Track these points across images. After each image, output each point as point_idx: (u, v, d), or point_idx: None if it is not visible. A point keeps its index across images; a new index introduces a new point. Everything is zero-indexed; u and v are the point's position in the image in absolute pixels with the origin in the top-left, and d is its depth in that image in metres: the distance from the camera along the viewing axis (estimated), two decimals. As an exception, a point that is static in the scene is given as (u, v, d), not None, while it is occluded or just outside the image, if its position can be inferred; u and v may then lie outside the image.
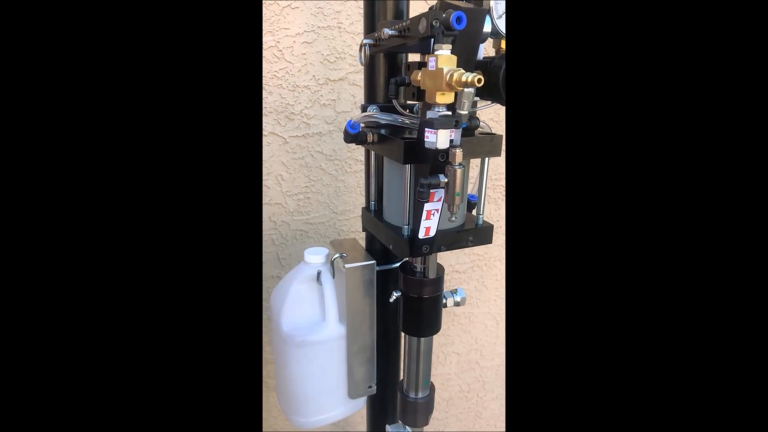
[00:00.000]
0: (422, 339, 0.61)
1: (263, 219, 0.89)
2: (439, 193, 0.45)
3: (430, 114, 0.36)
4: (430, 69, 0.36)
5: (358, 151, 0.92)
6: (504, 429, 1.36)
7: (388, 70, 0.58)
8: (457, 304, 0.62)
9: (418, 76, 0.39)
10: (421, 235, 0.48)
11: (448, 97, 0.37)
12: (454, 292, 0.63)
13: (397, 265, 0.67)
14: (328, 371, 0.68)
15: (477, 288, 1.16)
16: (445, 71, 0.35)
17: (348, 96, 0.88)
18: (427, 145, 0.38)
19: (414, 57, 0.55)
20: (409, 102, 0.54)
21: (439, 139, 0.36)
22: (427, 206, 0.45)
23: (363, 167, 0.93)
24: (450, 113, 0.37)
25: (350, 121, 0.50)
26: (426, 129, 0.37)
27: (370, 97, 0.60)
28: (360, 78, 0.87)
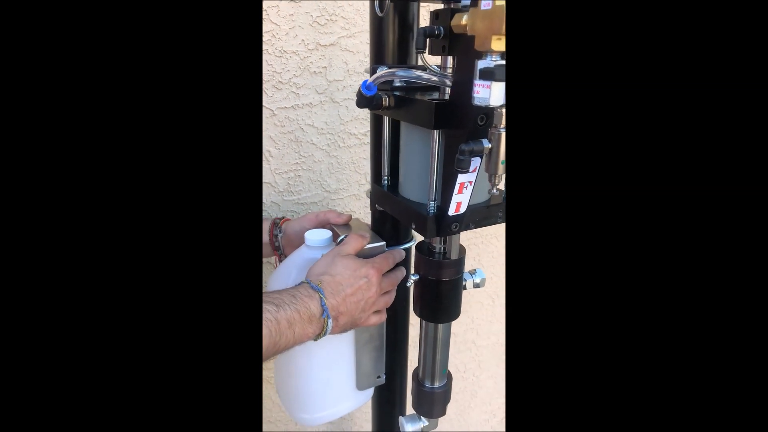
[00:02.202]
0: (440, 325, 0.57)
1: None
2: (475, 162, 0.39)
3: (482, 64, 0.30)
4: (483, 9, 0.30)
5: (352, 124, 0.84)
6: (498, 407, 1.36)
7: (400, 25, 0.51)
8: (476, 285, 0.58)
9: (462, 20, 0.33)
10: (451, 211, 0.42)
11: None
12: (473, 272, 0.58)
13: (408, 245, 0.62)
14: (335, 363, 0.63)
15: (473, 266, 1.12)
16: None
17: (340, 63, 0.80)
18: (476, 102, 0.32)
19: (427, 8, 0.49)
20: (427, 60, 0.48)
21: (494, 94, 0.30)
22: (461, 178, 0.40)
23: (357, 141, 0.86)
24: (504, 63, 0.31)
25: (366, 81, 0.43)
26: (477, 83, 0.31)
27: (378, 57, 0.53)
28: (353, 43, 0.80)
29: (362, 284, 0.51)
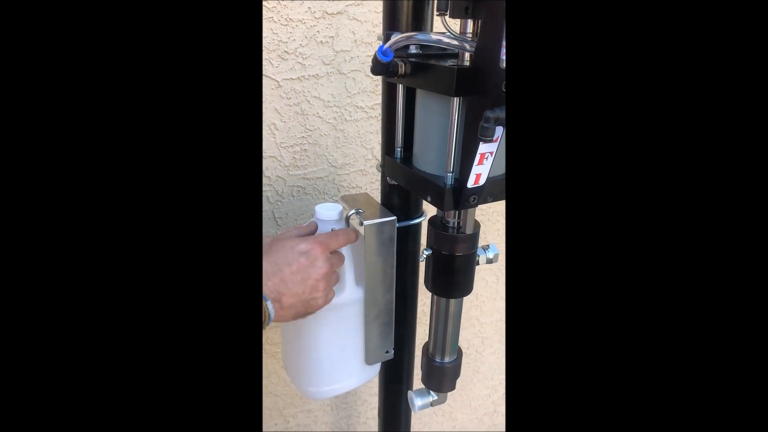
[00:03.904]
0: (452, 300, 0.56)
1: (256, 174, 0.80)
2: (497, 132, 0.38)
3: (514, 23, 0.29)
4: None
5: (359, 97, 0.82)
6: (500, 382, 1.37)
7: (415, -11, 0.49)
8: (489, 261, 0.57)
9: (492, -23, 0.31)
10: (470, 183, 0.41)
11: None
12: (486, 248, 0.57)
13: (418, 220, 0.61)
14: (344, 337, 0.63)
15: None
16: (541, -38, 0.27)
17: (347, 32, 0.77)
18: (505, 66, 0.30)
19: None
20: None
21: (525, 56, 0.29)
22: (482, 148, 0.38)
23: (364, 115, 0.84)
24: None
25: (382, 46, 0.41)
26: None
27: (391, 23, 0.51)
28: (361, 12, 0.77)
29: (303, 261, 0.48)
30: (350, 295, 0.59)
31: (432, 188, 0.44)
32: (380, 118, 0.76)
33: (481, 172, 0.40)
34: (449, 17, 0.39)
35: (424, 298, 0.67)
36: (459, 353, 0.60)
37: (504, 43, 0.30)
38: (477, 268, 1.23)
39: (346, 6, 0.75)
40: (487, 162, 0.40)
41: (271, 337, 0.93)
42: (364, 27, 0.78)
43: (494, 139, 0.37)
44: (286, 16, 0.72)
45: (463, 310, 1.17)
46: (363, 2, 0.76)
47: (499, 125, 0.34)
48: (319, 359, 0.63)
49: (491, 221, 1.11)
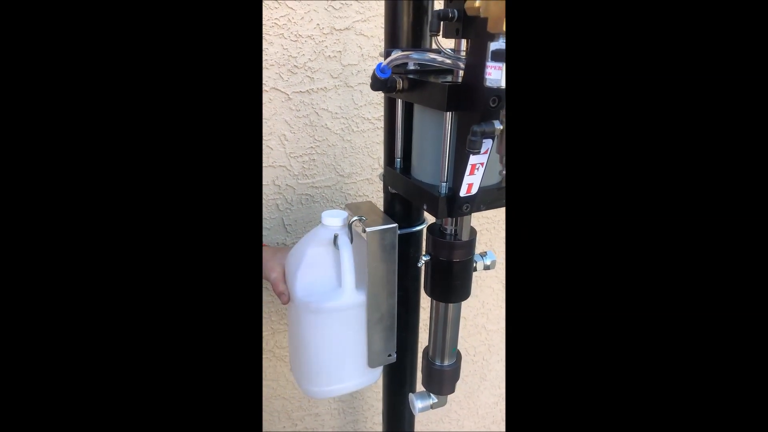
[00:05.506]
0: (451, 305, 0.58)
1: (267, 183, 0.83)
2: (486, 144, 0.40)
3: (494, 45, 0.31)
4: (496, -10, 0.30)
5: (366, 109, 0.85)
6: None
7: (414, 8, 0.52)
8: (487, 267, 0.59)
9: (476, 2, 0.33)
10: (463, 192, 0.43)
11: (516, 26, 0.31)
12: (483, 254, 0.59)
13: (419, 228, 0.63)
14: (344, 340, 0.65)
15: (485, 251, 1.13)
16: (518, -9, 0.29)
17: (354, 47, 0.80)
18: (488, 84, 0.33)
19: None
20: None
21: (505, 75, 0.31)
22: (472, 159, 0.41)
23: (371, 126, 0.87)
24: (516, 45, 0.32)
25: (380, 64, 0.44)
26: (489, 64, 0.32)
27: (392, 40, 0.54)
28: (368, 27, 0.80)
29: None
30: (351, 299, 0.61)
31: (428, 197, 0.47)
32: (385, 129, 0.79)
33: (472, 182, 0.43)
34: (442, 37, 0.41)
35: (427, 303, 0.69)
36: (458, 357, 0.62)
37: (487, 63, 0.32)
38: (484, 276, 1.24)
39: (353, 22, 0.79)
40: (478, 172, 0.42)
41: (280, 341, 0.96)
42: (371, 42, 0.81)
43: (483, 151, 0.39)
44: (295, 32, 0.76)
45: (470, 318, 1.19)
46: (369, 18, 0.79)
47: (486, 138, 0.37)
48: (321, 360, 0.65)
49: (497, 229, 1.12)
